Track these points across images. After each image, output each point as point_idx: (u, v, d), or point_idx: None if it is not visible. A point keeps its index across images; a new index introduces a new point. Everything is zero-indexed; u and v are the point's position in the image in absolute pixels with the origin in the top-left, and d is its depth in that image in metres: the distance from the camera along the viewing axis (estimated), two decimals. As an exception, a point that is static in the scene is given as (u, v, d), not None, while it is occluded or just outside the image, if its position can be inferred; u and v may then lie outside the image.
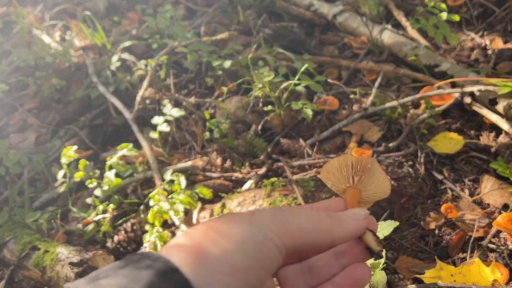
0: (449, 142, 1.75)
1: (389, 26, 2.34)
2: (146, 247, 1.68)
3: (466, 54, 2.24)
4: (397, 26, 2.46)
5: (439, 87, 1.98)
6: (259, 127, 2.03)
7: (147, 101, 2.29)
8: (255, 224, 0.56)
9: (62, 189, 1.88)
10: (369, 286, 1.03)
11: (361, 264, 0.63)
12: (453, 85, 1.98)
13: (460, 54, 2.24)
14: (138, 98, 2.18)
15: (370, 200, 0.70)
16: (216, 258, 0.51)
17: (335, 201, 0.69)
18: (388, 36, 2.29)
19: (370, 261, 1.06)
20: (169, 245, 0.55)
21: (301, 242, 0.57)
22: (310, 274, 0.64)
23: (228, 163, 1.93)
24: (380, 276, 1.01)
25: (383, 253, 1.10)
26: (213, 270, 0.51)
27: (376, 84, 2.13)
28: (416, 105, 2.01)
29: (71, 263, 1.52)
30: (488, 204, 1.58)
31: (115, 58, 2.48)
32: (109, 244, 1.72)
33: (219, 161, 1.92)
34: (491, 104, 1.82)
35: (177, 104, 2.26)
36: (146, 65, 2.42)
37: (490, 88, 1.81)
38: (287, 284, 0.64)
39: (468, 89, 1.88)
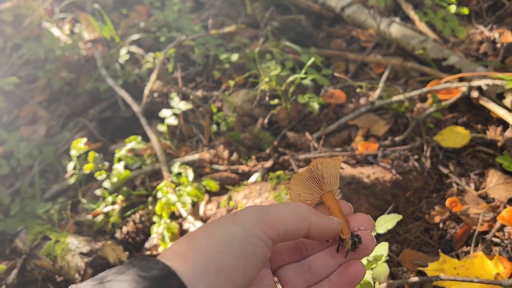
0: (455, 136, 1.75)
1: (397, 19, 2.33)
2: (154, 238, 1.72)
3: (474, 47, 2.22)
4: (405, 19, 2.45)
5: (446, 81, 1.97)
6: (266, 121, 2.04)
7: (155, 94, 2.31)
8: (237, 223, 0.59)
9: (72, 180, 1.91)
10: (372, 278, 1.05)
11: (356, 261, 0.66)
12: (461, 79, 1.97)
13: (468, 47, 2.23)
14: (146, 91, 2.21)
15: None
16: (203, 261, 0.55)
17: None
18: (396, 29, 2.28)
19: (373, 254, 1.07)
20: (165, 252, 0.58)
21: (284, 230, 0.61)
22: (309, 273, 0.67)
23: (234, 156, 1.95)
24: (382, 269, 1.03)
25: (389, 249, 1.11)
26: (201, 273, 0.54)
27: (383, 77, 2.13)
28: (423, 99, 2.01)
29: (81, 253, 1.55)
30: (493, 198, 1.58)
31: (123, 51, 2.50)
32: (117, 234, 1.75)
33: (226, 154, 1.94)
34: (499, 98, 1.82)
35: (184, 97, 2.27)
36: (154, 58, 2.44)
37: (498, 82, 1.80)
38: (288, 283, 0.67)
39: (475, 83, 1.88)
